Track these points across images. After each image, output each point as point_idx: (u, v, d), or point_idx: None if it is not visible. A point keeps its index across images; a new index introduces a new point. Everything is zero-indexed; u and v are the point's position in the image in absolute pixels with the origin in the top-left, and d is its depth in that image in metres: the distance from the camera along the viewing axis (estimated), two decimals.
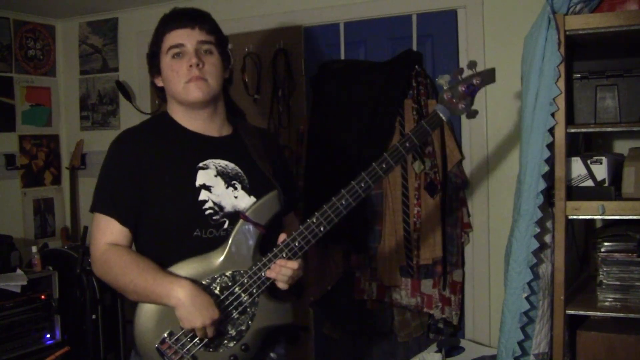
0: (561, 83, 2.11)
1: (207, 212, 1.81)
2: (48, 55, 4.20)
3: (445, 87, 1.89)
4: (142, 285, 1.74)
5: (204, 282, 1.78)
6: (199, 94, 1.85)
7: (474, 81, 1.90)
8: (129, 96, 3.94)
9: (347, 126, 3.14)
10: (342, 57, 3.39)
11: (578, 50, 2.28)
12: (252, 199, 1.86)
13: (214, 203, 1.82)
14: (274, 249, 1.80)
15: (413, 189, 3.00)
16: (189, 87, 1.85)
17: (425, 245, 3.00)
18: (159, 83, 1.95)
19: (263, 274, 1.79)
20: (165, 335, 1.76)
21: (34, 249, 3.47)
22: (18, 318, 3.24)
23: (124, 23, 4.02)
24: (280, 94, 3.45)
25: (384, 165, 1.84)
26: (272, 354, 1.97)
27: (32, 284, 3.29)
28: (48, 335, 3.37)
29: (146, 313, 1.77)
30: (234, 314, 1.79)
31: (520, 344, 2.20)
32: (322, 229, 1.80)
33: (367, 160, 3.16)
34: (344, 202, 1.81)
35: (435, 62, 3.18)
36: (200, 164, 1.85)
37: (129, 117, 3.98)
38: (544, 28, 2.09)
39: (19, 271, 3.32)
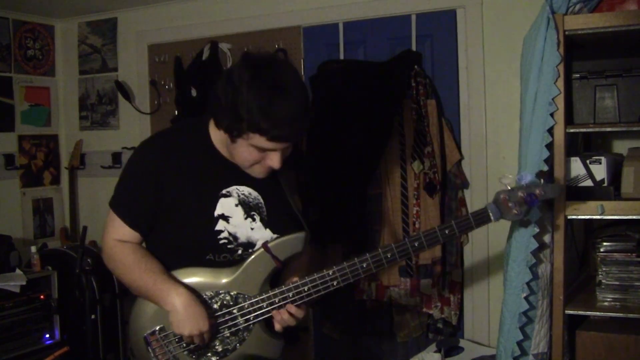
0: (560, 83, 2.11)
1: (222, 241, 1.83)
2: (47, 55, 4.20)
3: (505, 188, 1.82)
4: (143, 285, 1.80)
5: (206, 294, 1.81)
6: (263, 177, 1.83)
7: (537, 191, 1.79)
8: (128, 96, 3.93)
9: (346, 126, 3.14)
10: (342, 57, 3.39)
11: (577, 50, 2.28)
12: (268, 232, 1.87)
13: (230, 233, 1.84)
14: (283, 286, 1.81)
15: (412, 189, 3.00)
16: (255, 169, 1.80)
17: None
18: (227, 139, 1.75)
19: (264, 306, 1.81)
20: (157, 328, 1.81)
21: (33, 249, 3.46)
22: (17, 318, 3.23)
23: (123, 23, 4.02)
24: None
25: (415, 244, 1.80)
26: None
27: (31, 284, 3.29)
28: (47, 335, 3.37)
29: (146, 303, 1.83)
30: (226, 332, 1.82)
31: (519, 344, 2.20)
32: (335, 283, 1.80)
33: (366, 160, 3.17)
34: (364, 266, 1.79)
35: (434, 62, 3.18)
36: (224, 191, 1.84)
37: (128, 117, 3.99)
38: (543, 28, 2.09)
39: (18, 271, 3.32)
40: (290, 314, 1.81)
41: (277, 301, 1.81)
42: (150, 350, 1.81)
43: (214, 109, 1.74)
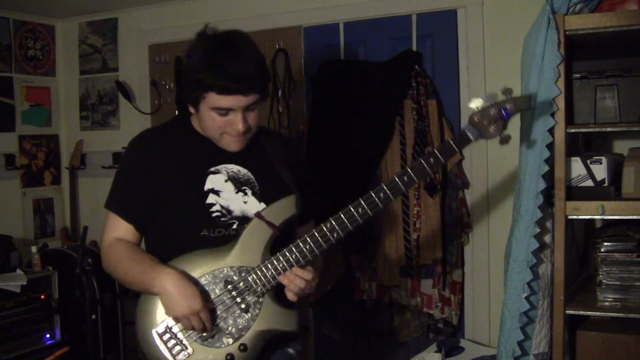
0: (561, 83, 2.11)
1: (215, 214, 1.84)
2: (48, 55, 4.20)
3: (476, 110, 1.80)
4: (134, 275, 1.82)
5: (207, 275, 1.78)
6: (237, 147, 1.86)
7: (508, 106, 1.80)
8: (128, 96, 3.93)
9: (347, 126, 3.14)
10: (342, 57, 3.39)
11: (578, 50, 2.27)
12: (262, 205, 1.87)
13: (222, 206, 1.85)
14: (284, 249, 1.79)
15: (413, 189, 3.00)
16: (225, 139, 1.84)
17: (425, 246, 2.99)
18: (191, 110, 1.86)
19: (269, 274, 1.78)
20: (164, 323, 1.79)
21: (34, 249, 3.47)
22: (18, 318, 3.24)
23: (123, 23, 4.02)
24: (280, 94, 3.45)
25: (405, 179, 1.78)
26: (290, 350, 1.96)
27: (31, 284, 3.29)
28: (48, 335, 3.37)
29: (148, 300, 1.81)
30: (236, 311, 1.79)
31: (520, 344, 2.20)
32: (335, 235, 1.78)
33: (367, 160, 3.17)
34: (360, 211, 1.77)
35: (435, 62, 3.18)
36: (212, 169, 1.87)
37: (129, 117, 3.99)
38: (544, 28, 2.09)
39: (18, 271, 3.32)
40: (299, 276, 1.78)
41: (280, 267, 1.78)
42: (160, 346, 1.78)
43: (180, 89, 1.83)
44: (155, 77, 3.87)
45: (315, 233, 1.78)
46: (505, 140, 1.83)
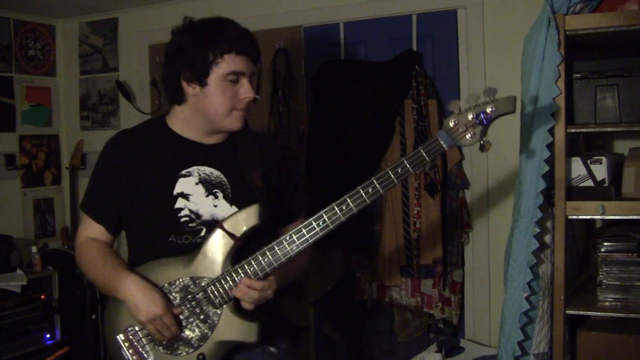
0: (561, 83, 2.11)
1: (183, 219, 1.83)
2: (48, 55, 4.20)
3: (453, 113, 1.64)
4: (101, 279, 1.85)
5: (168, 283, 1.79)
6: (239, 124, 1.85)
7: (488, 109, 1.61)
8: (129, 96, 3.94)
9: (347, 126, 3.14)
10: (342, 57, 3.39)
11: (578, 50, 2.28)
12: (234, 209, 1.84)
13: (191, 211, 1.83)
14: (243, 262, 1.76)
15: (413, 189, 3.00)
16: (233, 115, 1.82)
17: (425, 246, 3.00)
18: (190, 90, 1.81)
19: (227, 286, 1.76)
20: (127, 328, 1.80)
21: (34, 249, 3.47)
22: (18, 318, 3.24)
23: (124, 23, 4.02)
24: (280, 94, 3.45)
25: (369, 190, 1.69)
26: (271, 348, 1.94)
27: (32, 284, 3.30)
28: (48, 335, 3.37)
29: (114, 307, 1.84)
30: (195, 320, 1.78)
31: (520, 344, 2.20)
32: (294, 248, 1.73)
33: (367, 160, 3.17)
34: (320, 223, 1.71)
35: (435, 62, 3.18)
36: (183, 172, 1.85)
37: (129, 117, 3.98)
38: (544, 28, 2.09)
39: (19, 271, 3.32)
40: (250, 287, 1.74)
41: (238, 279, 1.75)
42: (123, 351, 1.79)
43: (170, 77, 1.84)
44: (155, 77, 3.87)
45: (275, 246, 1.74)
46: (484, 147, 1.67)
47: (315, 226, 1.72)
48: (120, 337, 1.80)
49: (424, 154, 1.67)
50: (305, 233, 1.72)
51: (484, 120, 1.62)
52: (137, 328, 1.80)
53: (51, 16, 4.16)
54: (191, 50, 1.79)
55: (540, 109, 2.11)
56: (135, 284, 1.76)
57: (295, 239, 1.73)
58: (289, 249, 1.73)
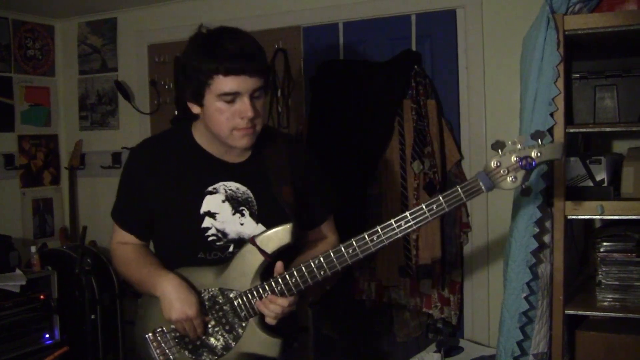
0: (560, 83, 2.11)
1: (210, 238, 1.84)
2: (47, 55, 4.20)
3: (497, 154, 1.59)
4: (138, 277, 1.87)
5: (198, 290, 1.81)
6: (247, 142, 1.78)
7: (533, 153, 1.56)
8: (128, 96, 3.93)
9: (346, 126, 3.14)
10: (341, 57, 3.39)
11: (577, 50, 2.28)
12: (260, 227, 1.85)
13: (217, 230, 1.84)
14: (271, 279, 1.77)
15: (412, 189, 2.99)
16: (236, 135, 1.75)
17: (424, 246, 2.99)
18: (194, 109, 1.79)
19: (254, 301, 1.78)
20: (157, 329, 1.83)
21: (33, 249, 3.47)
22: (17, 318, 3.23)
23: (123, 23, 4.02)
24: (280, 94, 3.45)
25: (402, 224, 1.68)
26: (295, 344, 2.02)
27: (31, 284, 3.29)
28: (47, 335, 3.37)
29: (147, 305, 1.88)
30: (220, 330, 1.81)
31: (519, 343, 2.20)
32: (322, 273, 1.74)
33: (366, 160, 3.16)
34: (350, 252, 1.71)
35: (434, 62, 3.18)
36: (210, 188, 1.84)
37: (128, 117, 3.99)
38: (543, 28, 2.09)
39: (18, 271, 3.32)
40: (274, 303, 1.76)
41: (265, 296, 1.77)
42: (151, 350, 1.83)
43: (180, 94, 1.80)
44: (154, 77, 3.87)
45: (303, 268, 1.75)
46: (525, 192, 1.64)
47: (345, 254, 1.72)
48: (149, 336, 1.83)
49: (461, 193, 1.63)
50: (334, 259, 1.72)
51: (527, 165, 1.57)
52: (165, 329, 1.83)
53: (50, 16, 4.15)
54: (188, 70, 1.74)
55: (539, 109, 2.11)
56: (172, 283, 1.78)
57: (325, 264, 1.73)
58: (316, 272, 1.74)
